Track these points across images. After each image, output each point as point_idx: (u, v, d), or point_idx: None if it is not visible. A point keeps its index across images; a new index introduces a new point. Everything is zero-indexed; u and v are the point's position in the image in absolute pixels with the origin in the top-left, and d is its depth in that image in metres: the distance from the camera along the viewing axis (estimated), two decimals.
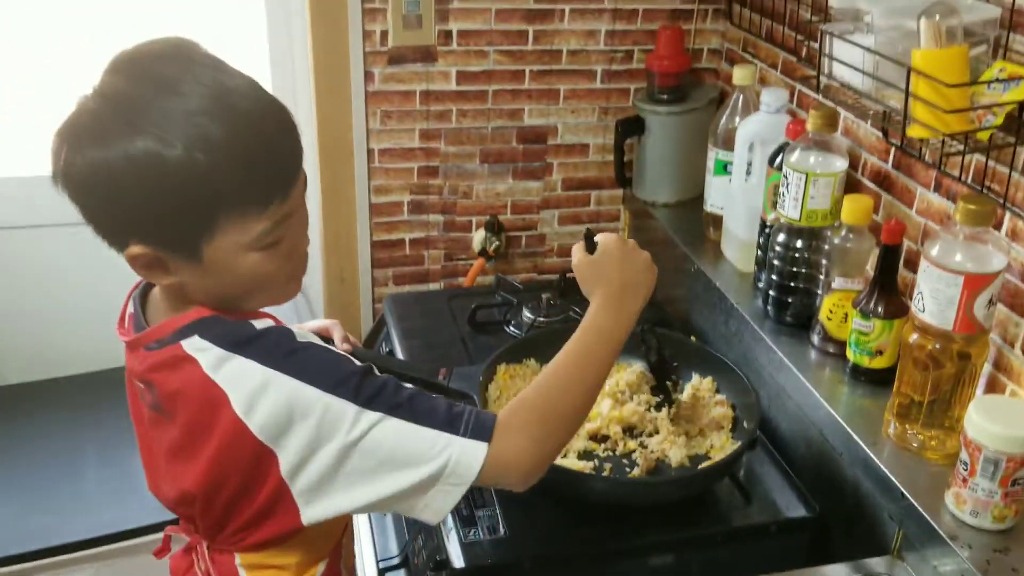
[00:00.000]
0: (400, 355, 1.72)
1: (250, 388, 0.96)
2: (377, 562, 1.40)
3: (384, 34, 1.94)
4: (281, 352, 0.98)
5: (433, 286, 2.18)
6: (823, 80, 1.40)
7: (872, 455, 1.29)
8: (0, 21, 1.94)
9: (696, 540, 1.31)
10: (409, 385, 1.03)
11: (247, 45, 2.05)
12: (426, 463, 0.98)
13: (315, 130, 2.00)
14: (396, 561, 1.39)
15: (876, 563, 1.26)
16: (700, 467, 1.36)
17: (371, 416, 0.97)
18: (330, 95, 1.96)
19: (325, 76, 1.94)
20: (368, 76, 1.97)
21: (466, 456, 0.99)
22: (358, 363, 1.01)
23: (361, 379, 0.98)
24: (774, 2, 1.81)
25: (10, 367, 2.14)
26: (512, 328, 1.78)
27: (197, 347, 0.98)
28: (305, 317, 2.17)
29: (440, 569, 1.24)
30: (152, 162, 0.89)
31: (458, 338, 1.78)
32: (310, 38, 1.92)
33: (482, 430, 1.00)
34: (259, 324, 1.01)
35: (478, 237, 2.15)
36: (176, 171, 0.90)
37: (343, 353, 1.02)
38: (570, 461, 1.36)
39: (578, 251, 1.20)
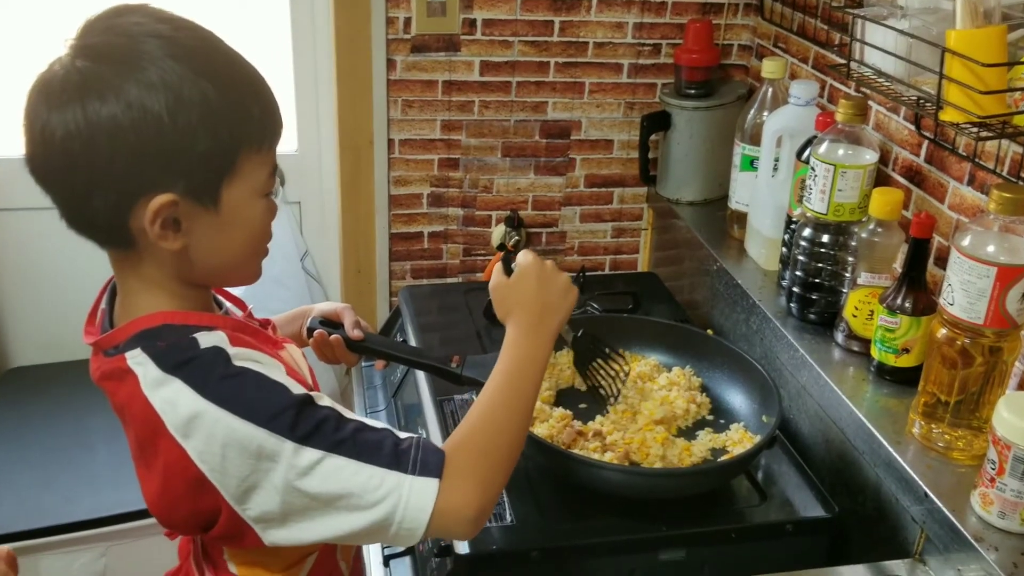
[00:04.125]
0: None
1: (183, 417, 0.92)
2: (383, 548, 1.37)
3: (408, 21, 1.92)
4: (215, 378, 0.93)
5: (451, 280, 2.15)
6: (854, 67, 1.36)
7: (896, 454, 1.24)
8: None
9: (709, 536, 1.26)
10: (352, 417, 0.97)
11: (269, 30, 2.03)
12: (374, 506, 0.94)
13: (335, 118, 1.98)
14: (401, 548, 1.36)
15: (896, 566, 1.21)
16: (720, 460, 1.32)
17: (310, 455, 0.92)
18: (351, 82, 1.94)
19: (347, 63, 1.93)
20: (390, 64, 1.95)
21: (416, 496, 0.94)
22: (296, 392, 0.95)
23: (297, 413, 0.93)
24: None
25: (21, 349, 2.14)
26: None
27: (137, 361, 0.95)
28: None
29: (444, 555, 1.21)
30: (192, 95, 0.88)
31: (473, 331, 1.74)
32: (332, 24, 1.91)
33: (431, 466, 0.96)
34: (204, 339, 0.96)
35: (497, 232, 2.12)
36: (211, 106, 0.89)
37: (280, 382, 0.95)
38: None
39: (496, 273, 1.18)
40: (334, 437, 0.93)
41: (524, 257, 1.17)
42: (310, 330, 1.33)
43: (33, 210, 1.98)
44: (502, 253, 2.09)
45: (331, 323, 1.34)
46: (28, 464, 1.81)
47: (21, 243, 2.06)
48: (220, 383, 0.93)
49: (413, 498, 0.94)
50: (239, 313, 1.13)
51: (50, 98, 0.89)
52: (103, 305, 1.05)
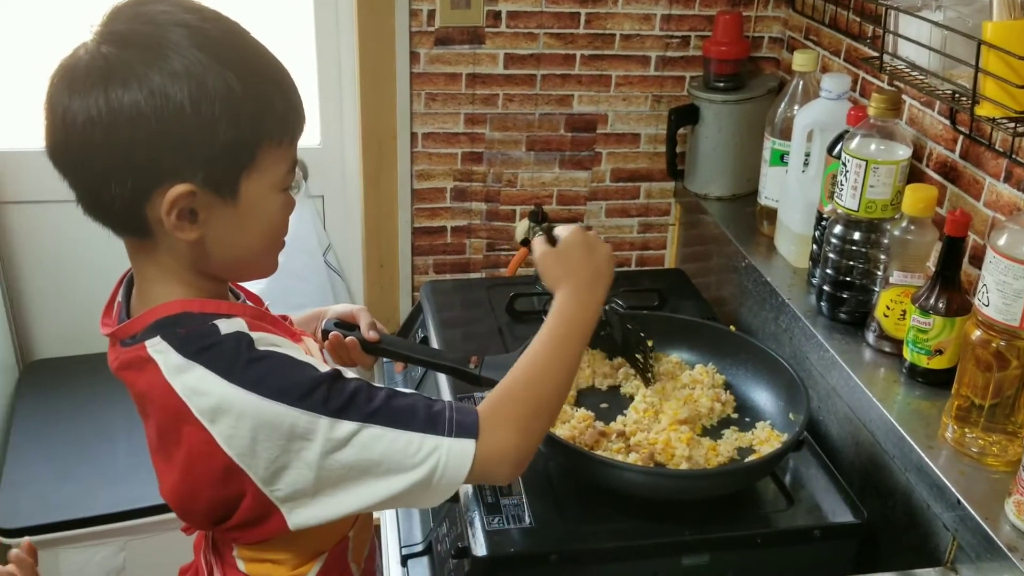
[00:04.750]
0: (435, 343, 1.67)
1: (209, 403, 0.92)
2: (400, 548, 1.35)
3: (431, 14, 1.90)
4: (241, 363, 0.93)
5: (474, 275, 2.13)
6: (887, 60, 1.32)
7: (927, 459, 1.20)
8: None
9: (734, 541, 1.23)
10: (381, 385, 0.98)
11: (292, 24, 2.02)
12: (414, 468, 0.95)
13: (358, 111, 1.96)
14: (419, 548, 1.34)
15: (927, 574, 1.17)
16: (747, 460, 1.28)
17: (346, 427, 0.93)
18: (375, 75, 1.92)
19: (370, 56, 1.91)
20: (414, 57, 1.92)
21: (455, 457, 0.96)
22: (323, 369, 0.95)
23: (329, 388, 0.94)
24: None
25: (43, 342, 2.14)
26: None
27: (158, 349, 0.94)
28: (342, 301, 2.13)
29: (462, 557, 1.19)
30: (215, 85, 0.88)
31: (496, 327, 1.72)
32: (356, 16, 1.89)
33: (467, 427, 0.97)
34: (224, 326, 0.96)
35: (521, 227, 2.07)
36: (234, 98, 0.89)
37: (306, 360, 0.96)
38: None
39: (540, 244, 1.19)
40: (368, 408, 0.94)
41: (568, 228, 1.19)
42: (325, 332, 1.31)
43: (54, 203, 1.98)
44: (541, 235, 2.07)
45: (346, 325, 1.32)
46: (48, 457, 1.81)
47: (43, 236, 2.06)
48: (247, 367, 0.93)
49: (452, 459, 0.96)
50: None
51: (73, 83, 0.88)
52: (119, 297, 1.04)
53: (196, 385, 0.92)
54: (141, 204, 0.91)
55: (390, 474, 0.95)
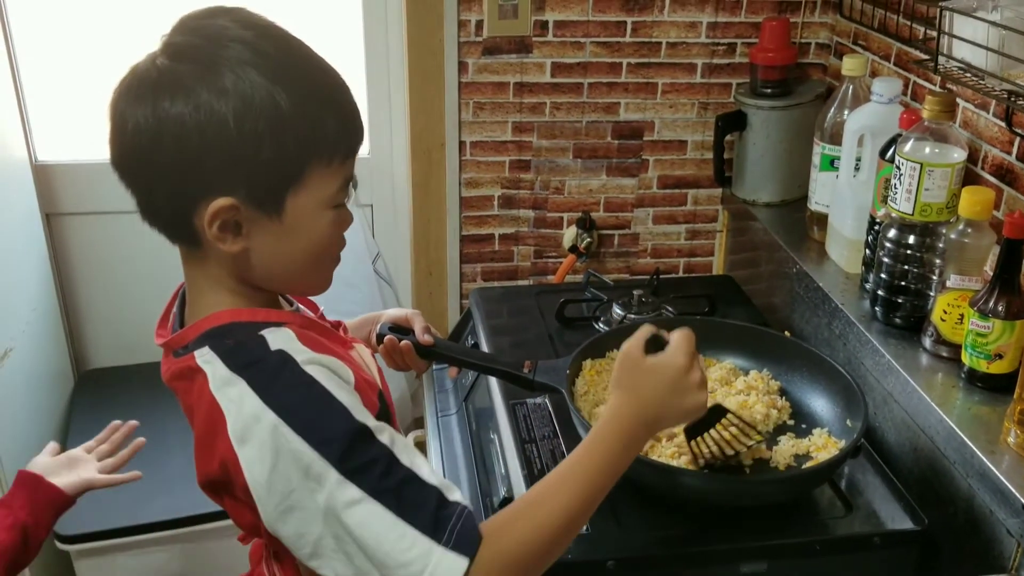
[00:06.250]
0: (485, 350, 1.68)
1: (243, 420, 0.91)
2: None
3: (479, 24, 1.91)
4: (279, 385, 0.92)
5: (522, 283, 2.14)
6: (942, 62, 1.31)
7: (990, 464, 1.18)
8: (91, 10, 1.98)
9: (792, 548, 1.22)
10: (407, 463, 0.92)
11: (342, 32, 2.04)
12: (400, 567, 0.89)
13: (407, 120, 1.98)
14: None
15: None
16: (805, 466, 1.27)
17: (351, 492, 0.89)
18: (423, 85, 1.94)
19: (419, 66, 1.92)
20: (462, 66, 1.94)
21: (442, 570, 0.89)
22: (356, 419, 0.92)
23: (351, 444, 0.90)
24: None
25: (97, 351, 2.18)
26: (601, 325, 1.72)
27: (206, 359, 0.95)
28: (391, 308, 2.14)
29: None
30: (263, 103, 0.88)
31: (545, 334, 1.72)
32: (405, 26, 1.90)
33: (465, 544, 0.90)
34: (273, 339, 0.96)
35: (569, 234, 2.09)
36: (282, 117, 0.89)
37: (343, 404, 0.92)
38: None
39: (636, 344, 1.06)
40: (379, 484, 0.90)
41: (678, 350, 1.05)
42: (380, 336, 1.32)
43: (110, 214, 2.03)
44: (573, 256, 2.07)
45: (401, 329, 1.33)
46: None
47: (98, 247, 2.10)
48: (284, 391, 0.92)
49: (438, 572, 0.89)
50: (311, 315, 1.13)
51: (128, 92, 0.91)
52: (175, 308, 1.05)
53: (236, 400, 0.92)
54: (188, 214, 0.92)
55: (376, 563, 0.90)
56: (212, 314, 0.98)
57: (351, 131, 0.96)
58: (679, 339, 1.06)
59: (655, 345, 1.06)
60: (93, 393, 2.06)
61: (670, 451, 1.29)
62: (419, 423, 2.11)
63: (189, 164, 0.90)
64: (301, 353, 0.95)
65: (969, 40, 1.23)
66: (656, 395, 1.03)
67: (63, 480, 1.31)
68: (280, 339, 0.96)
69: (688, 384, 1.05)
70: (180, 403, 1.01)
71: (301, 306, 1.13)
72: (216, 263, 0.97)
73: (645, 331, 1.07)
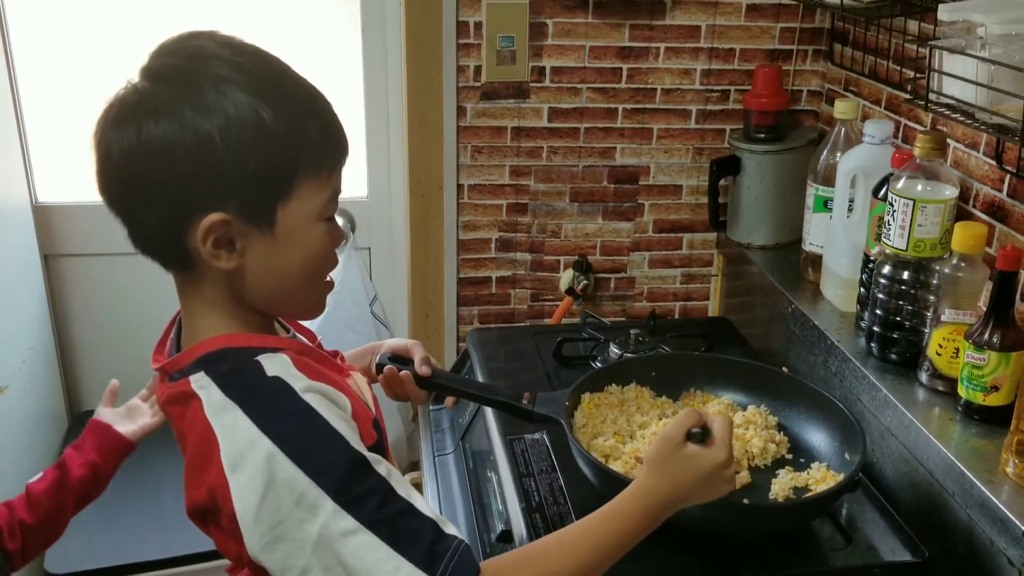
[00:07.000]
0: None
1: (236, 447, 0.91)
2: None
3: (478, 69, 1.94)
4: (276, 412, 0.92)
5: (519, 325, 2.14)
6: (932, 98, 1.34)
7: (989, 494, 1.19)
8: (86, 44, 2.02)
9: None
10: (403, 495, 0.92)
11: (342, 76, 2.07)
12: None
13: (406, 163, 2.00)
14: None
15: None
16: (806, 496, 1.27)
17: (346, 523, 0.88)
18: (422, 128, 1.97)
19: (418, 110, 1.96)
20: (460, 111, 1.97)
21: None
22: (353, 449, 0.91)
23: (348, 474, 0.90)
24: (878, 38, 1.76)
25: (91, 394, 2.18)
26: (599, 363, 1.72)
27: (201, 384, 0.95)
28: None
29: None
30: (246, 118, 0.89)
31: (543, 373, 1.73)
32: (405, 71, 1.94)
33: None
34: (269, 365, 0.95)
35: (566, 277, 2.11)
36: (266, 129, 0.90)
37: (339, 433, 0.92)
38: None
39: (678, 428, 1.05)
40: (375, 515, 0.89)
41: (721, 443, 1.05)
42: (379, 366, 1.32)
43: (104, 255, 2.04)
44: (570, 299, 2.08)
45: (401, 359, 1.33)
46: (97, 504, 1.79)
47: (92, 288, 2.11)
48: (281, 418, 0.92)
49: None
50: (307, 342, 1.13)
51: (110, 118, 0.92)
52: (172, 334, 1.05)
53: (231, 426, 0.92)
54: (180, 234, 0.93)
55: None
56: (208, 339, 0.98)
57: (335, 141, 0.98)
58: (722, 432, 1.06)
59: (698, 436, 1.05)
60: None
61: None
62: (415, 466, 2.10)
63: (179, 183, 0.91)
64: (298, 380, 0.95)
65: (959, 76, 1.26)
66: (688, 482, 1.04)
67: (125, 428, 1.41)
68: (276, 365, 0.96)
69: (723, 477, 1.06)
70: (172, 425, 1.01)
71: (298, 334, 1.13)
72: (211, 284, 0.98)
73: (690, 417, 1.06)
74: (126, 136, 0.90)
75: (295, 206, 0.95)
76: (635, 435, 1.39)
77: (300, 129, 0.94)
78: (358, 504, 0.89)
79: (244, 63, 0.93)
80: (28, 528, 1.27)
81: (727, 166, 1.99)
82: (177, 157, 0.89)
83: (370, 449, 0.96)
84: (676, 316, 2.21)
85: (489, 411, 1.56)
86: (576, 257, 2.10)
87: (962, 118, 1.32)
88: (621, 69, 1.99)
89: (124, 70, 0.95)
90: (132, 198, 0.93)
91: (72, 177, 2.08)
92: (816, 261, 1.80)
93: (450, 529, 0.93)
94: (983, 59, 1.21)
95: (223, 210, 0.92)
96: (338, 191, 1.00)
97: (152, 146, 0.89)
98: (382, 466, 0.93)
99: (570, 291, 2.09)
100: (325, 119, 0.97)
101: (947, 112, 1.34)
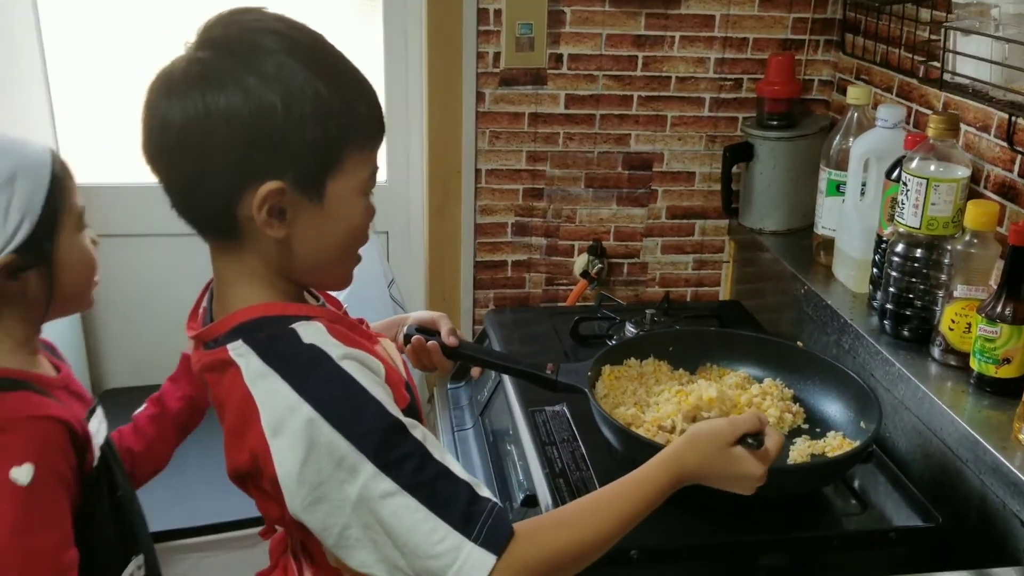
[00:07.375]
0: None
1: (277, 412, 0.93)
2: None
3: (497, 56, 1.98)
4: (315, 378, 0.94)
5: (535, 308, 2.17)
6: (947, 78, 1.38)
7: (1003, 459, 1.22)
8: (126, 28, 2.06)
9: (811, 541, 1.25)
10: (439, 458, 0.95)
11: (363, 62, 2.09)
12: (429, 558, 0.92)
13: (426, 147, 2.04)
14: None
15: (1005, 573, 1.18)
16: (829, 455, 1.31)
17: (385, 485, 0.91)
18: (442, 114, 2.00)
19: (438, 95, 1.99)
20: (479, 96, 2.01)
21: (470, 565, 0.91)
22: (390, 414, 0.94)
23: (386, 438, 0.93)
24: (890, 26, 1.80)
25: (114, 372, 2.21)
26: (615, 342, 1.76)
27: (239, 352, 0.97)
28: None
29: None
30: (305, 89, 0.93)
31: (562, 352, 1.76)
32: (425, 57, 1.98)
33: (495, 540, 0.92)
34: (305, 332, 0.98)
35: (580, 261, 2.14)
36: (323, 100, 0.94)
37: (377, 399, 0.95)
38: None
39: (734, 428, 1.09)
40: (413, 478, 0.92)
41: (765, 459, 1.08)
42: (407, 337, 1.36)
43: (129, 236, 2.06)
44: (585, 283, 2.12)
45: (427, 331, 1.37)
46: None
47: (117, 269, 2.13)
48: (320, 385, 0.94)
49: (467, 565, 0.91)
50: (336, 311, 1.15)
51: (171, 87, 0.94)
52: (204, 303, 1.08)
53: (270, 392, 0.94)
54: (233, 202, 0.95)
55: (406, 554, 0.92)
56: (244, 308, 1.00)
57: (378, 118, 1.02)
58: (774, 450, 1.09)
59: (751, 441, 1.08)
60: (111, 413, 2.07)
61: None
62: None
63: (240, 150, 0.93)
64: (335, 347, 0.97)
65: (973, 55, 1.30)
66: (716, 473, 1.09)
67: None
68: (312, 333, 0.98)
69: (748, 485, 1.10)
70: (210, 394, 1.04)
71: (327, 303, 1.16)
72: (253, 254, 1.00)
73: (751, 421, 1.09)
74: (192, 104, 0.92)
75: (343, 179, 0.98)
76: (654, 405, 1.42)
77: (351, 103, 0.97)
78: (396, 467, 0.92)
79: (298, 37, 0.96)
80: (136, 455, 1.33)
81: (740, 153, 2.03)
82: (241, 126, 0.92)
83: (404, 411, 0.98)
84: (688, 301, 2.24)
85: (509, 386, 1.59)
86: (590, 242, 2.14)
87: (975, 100, 1.36)
88: (637, 57, 2.03)
89: (144, 58, 0.97)
90: (191, 165, 0.95)
91: (95, 159, 2.11)
92: (828, 244, 1.84)
93: (484, 492, 0.96)
94: (997, 38, 1.25)
95: (280, 179, 0.95)
96: (376, 168, 1.03)
97: (218, 114, 0.92)
98: (418, 430, 0.96)
99: (585, 275, 2.13)
100: (370, 95, 1.01)
101: (959, 95, 1.38)
